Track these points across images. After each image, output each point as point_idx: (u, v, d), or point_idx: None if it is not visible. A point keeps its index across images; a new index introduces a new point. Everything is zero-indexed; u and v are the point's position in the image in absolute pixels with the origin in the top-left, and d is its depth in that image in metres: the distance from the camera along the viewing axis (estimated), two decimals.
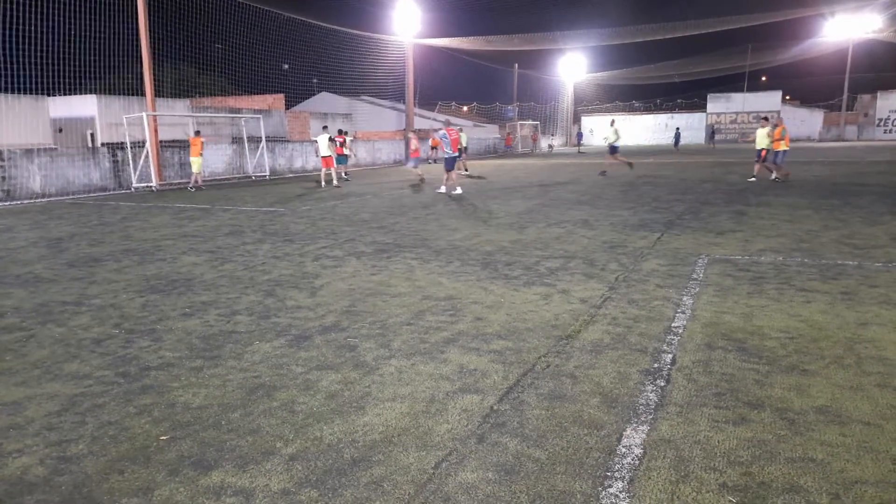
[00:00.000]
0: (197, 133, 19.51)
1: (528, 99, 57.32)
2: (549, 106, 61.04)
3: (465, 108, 63.86)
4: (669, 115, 64.58)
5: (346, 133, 22.33)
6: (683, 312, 5.22)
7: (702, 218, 10.70)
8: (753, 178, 17.76)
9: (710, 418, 3.31)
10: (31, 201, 16.43)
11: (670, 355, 4.24)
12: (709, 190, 15.58)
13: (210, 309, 5.65)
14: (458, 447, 3.06)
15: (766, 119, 18.18)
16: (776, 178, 17.09)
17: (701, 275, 6.55)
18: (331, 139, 19.58)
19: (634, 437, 3.12)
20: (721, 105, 61.57)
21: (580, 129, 56.24)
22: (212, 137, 24.17)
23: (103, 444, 3.16)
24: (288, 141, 28.03)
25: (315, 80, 40.72)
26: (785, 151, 17.13)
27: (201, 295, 6.17)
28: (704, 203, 12.79)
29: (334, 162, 19.86)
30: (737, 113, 61.03)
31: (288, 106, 34.20)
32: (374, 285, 6.42)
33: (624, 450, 3.00)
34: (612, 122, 22.57)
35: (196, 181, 19.54)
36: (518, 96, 53.51)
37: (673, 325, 4.90)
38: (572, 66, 55.97)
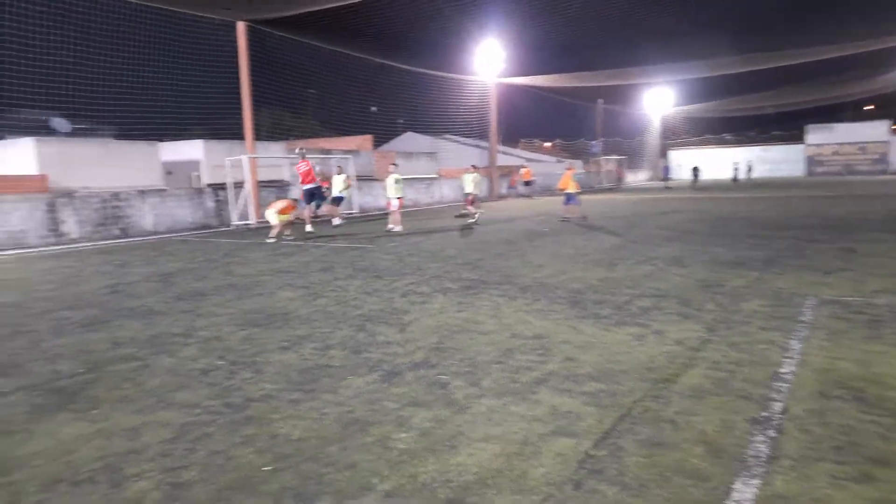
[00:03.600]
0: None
1: (613, 134, 56.59)
2: (636, 140, 59.97)
3: (547, 145, 63.83)
4: (763, 147, 61.79)
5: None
6: (791, 357, 4.90)
7: (805, 255, 10.08)
8: (473, 220, 18.65)
9: (829, 474, 3.07)
10: (144, 238, 17.76)
11: (780, 404, 3.98)
12: (811, 225, 14.70)
13: (306, 343, 5.86)
14: (554, 493, 2.98)
15: (474, 167, 20.76)
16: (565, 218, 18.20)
17: (809, 317, 6.15)
18: (397, 181, 16.78)
19: (745, 492, 2.93)
20: (822, 136, 58.26)
21: (667, 163, 54.76)
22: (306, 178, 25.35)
23: (212, 472, 3.31)
24: (375, 179, 28.96)
25: (401, 121, 42.11)
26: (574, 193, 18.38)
27: (297, 329, 6.41)
28: (807, 239, 12.06)
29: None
30: (839, 144, 57.56)
31: (375, 146, 35.45)
32: (462, 322, 6.45)
33: None
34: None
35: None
36: (603, 131, 52.95)
37: (780, 370, 4.61)
38: (659, 99, 54.90)
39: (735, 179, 46.49)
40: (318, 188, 17.26)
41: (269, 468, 3.33)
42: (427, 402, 4.22)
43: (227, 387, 4.68)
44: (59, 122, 23.77)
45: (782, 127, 61.27)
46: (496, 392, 4.38)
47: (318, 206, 17.96)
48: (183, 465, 3.40)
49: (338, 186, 19.83)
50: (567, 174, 18.69)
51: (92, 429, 3.96)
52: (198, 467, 3.37)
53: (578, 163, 50.17)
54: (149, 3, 18.52)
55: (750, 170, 47.30)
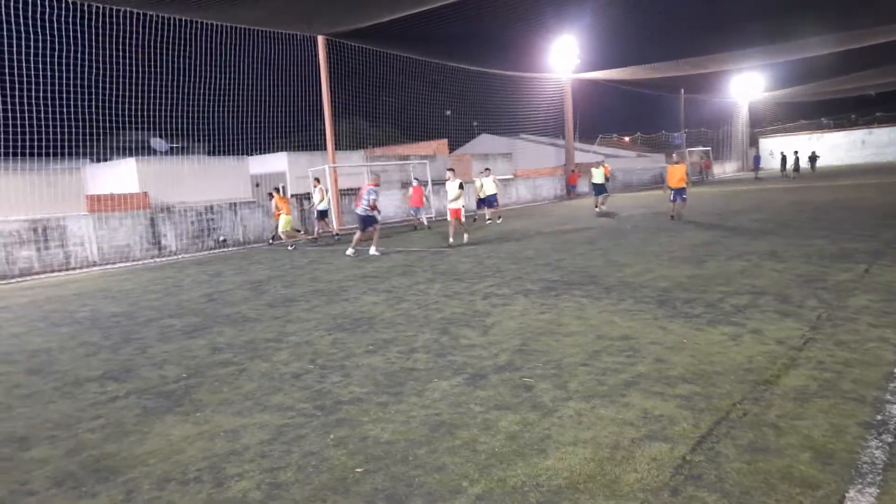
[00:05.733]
0: (277, 190, 18.05)
1: (696, 124, 54.26)
2: (722, 130, 57.27)
3: (626, 139, 62.09)
4: (866, 130, 57.46)
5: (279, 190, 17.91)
6: None
7: None
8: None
9: None
10: (236, 249, 18.67)
11: None
12: None
13: (391, 346, 5.97)
14: (650, 499, 2.89)
15: (487, 170, 21.29)
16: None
17: None
18: (461, 185, 15.02)
19: (860, 501, 2.73)
20: None
21: (757, 152, 51.94)
22: (384, 184, 25.92)
23: (307, 473, 3.43)
24: (465, 182, 29.11)
25: (476, 123, 42.20)
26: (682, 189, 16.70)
27: (382, 333, 6.54)
28: None
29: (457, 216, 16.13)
30: None
31: (451, 149, 35.72)
32: (545, 324, 6.37)
33: None
34: (316, 182, 18.93)
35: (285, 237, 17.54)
36: (686, 122, 50.93)
37: (895, 370, 4.27)
38: (747, 85, 52.15)
39: (783, 170, 41.87)
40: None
41: (360, 470, 3.41)
42: (513, 406, 4.19)
43: (319, 390, 4.83)
44: (157, 142, 25.43)
45: (887, 107, 56.71)
46: (584, 395, 4.29)
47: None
48: (280, 465, 3.55)
49: (317, 199, 18.49)
50: (681, 168, 16.97)
51: (196, 430, 4.19)
52: (294, 468, 3.50)
53: (660, 156, 48.47)
54: (238, 25, 19.51)
55: (797, 160, 42.14)
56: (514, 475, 3.22)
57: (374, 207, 13.82)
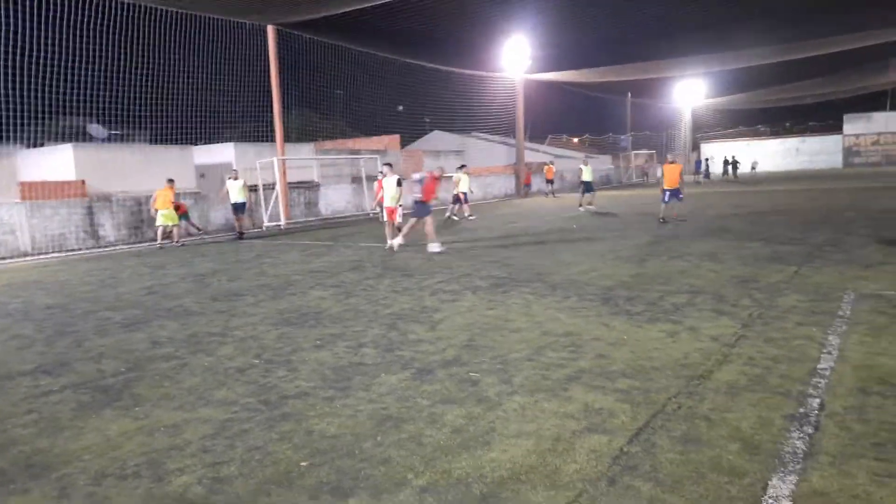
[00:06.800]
0: (170, 181, 16.53)
1: (642, 128, 55.81)
2: (666, 134, 59.05)
3: (575, 140, 63.28)
4: (800, 138, 60.31)
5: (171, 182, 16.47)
6: (830, 353, 4.81)
7: (845, 250, 9.84)
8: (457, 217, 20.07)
9: (869, 471, 3.02)
10: (180, 240, 18.11)
11: (818, 400, 3.92)
12: (850, 219, 14.33)
13: (338, 341, 5.94)
14: (588, 489, 2.99)
15: (463, 166, 21.16)
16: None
17: (848, 312, 6.02)
18: (399, 182, 13.63)
19: (782, 488, 2.90)
20: (860, 126, 56.57)
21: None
22: (333, 178, 25.66)
23: (251, 467, 3.40)
24: (403, 179, 29.06)
25: (427, 120, 42.20)
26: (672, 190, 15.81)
27: (330, 328, 6.50)
28: (847, 233, 11.76)
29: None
30: (879, 134, 55.83)
31: (402, 145, 35.61)
32: (492, 320, 6.47)
33: (771, 501, 2.80)
34: (234, 174, 18.12)
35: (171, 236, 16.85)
36: (632, 125, 52.29)
37: (818, 366, 4.53)
38: (690, 91, 53.91)
39: (724, 174, 43.82)
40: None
41: (305, 464, 3.40)
42: (459, 399, 4.26)
43: (264, 384, 4.78)
44: (95, 129, 24.42)
45: (819, 117, 59.70)
46: (528, 389, 4.39)
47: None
48: (223, 460, 3.50)
49: (234, 193, 17.82)
50: (677, 168, 15.93)
51: (135, 425, 4.09)
52: (237, 462, 3.46)
53: (607, 157, 49.65)
54: (183, 10, 18.91)
55: (707, 166, 44.04)
56: (458, 467, 3.28)
57: (425, 198, 12.52)
